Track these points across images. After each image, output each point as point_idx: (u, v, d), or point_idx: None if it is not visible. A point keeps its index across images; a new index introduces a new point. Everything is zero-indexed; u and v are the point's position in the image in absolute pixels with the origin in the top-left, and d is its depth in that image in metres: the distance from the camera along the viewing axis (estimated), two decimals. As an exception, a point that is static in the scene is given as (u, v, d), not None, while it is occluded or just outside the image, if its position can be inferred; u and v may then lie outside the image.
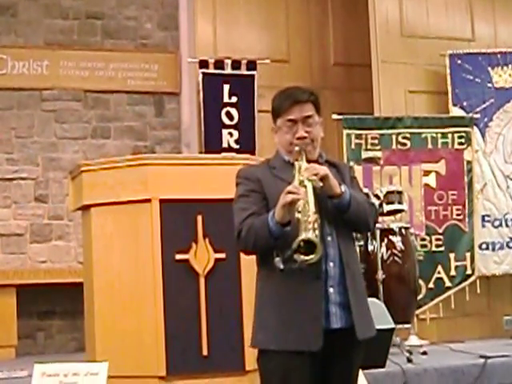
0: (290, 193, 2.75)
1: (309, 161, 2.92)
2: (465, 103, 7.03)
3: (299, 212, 2.74)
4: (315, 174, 2.82)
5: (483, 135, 7.01)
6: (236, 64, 7.31)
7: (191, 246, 4.41)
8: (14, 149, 7.46)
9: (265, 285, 2.94)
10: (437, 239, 6.72)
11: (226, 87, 7.22)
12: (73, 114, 7.62)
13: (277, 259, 2.80)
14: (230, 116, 7.17)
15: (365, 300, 3.01)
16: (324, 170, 2.86)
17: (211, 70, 7.23)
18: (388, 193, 5.89)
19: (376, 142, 6.67)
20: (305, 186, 2.79)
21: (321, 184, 2.82)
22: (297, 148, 2.95)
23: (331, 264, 2.86)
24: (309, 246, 2.69)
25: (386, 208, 5.87)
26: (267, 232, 2.80)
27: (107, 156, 7.07)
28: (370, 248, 5.81)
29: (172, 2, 7.99)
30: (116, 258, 4.49)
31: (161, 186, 4.43)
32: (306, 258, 2.69)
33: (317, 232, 2.70)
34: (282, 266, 2.78)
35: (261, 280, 2.98)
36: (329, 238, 2.89)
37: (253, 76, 7.31)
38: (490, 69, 7.11)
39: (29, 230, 7.40)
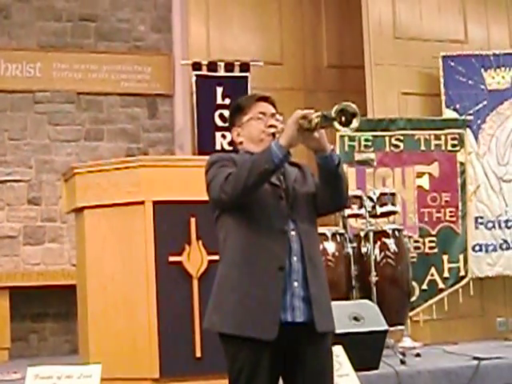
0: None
1: None
2: (458, 105, 7.04)
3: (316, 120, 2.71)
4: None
5: (476, 137, 7.02)
6: (229, 66, 7.32)
7: (184, 248, 4.41)
8: (7, 151, 7.45)
9: (227, 268, 2.91)
10: (430, 241, 6.72)
11: (219, 89, 7.23)
12: (66, 116, 7.61)
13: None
14: (223, 118, 7.16)
15: (326, 293, 2.96)
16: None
17: (204, 72, 7.23)
18: (381, 195, 5.88)
19: (369, 143, 6.66)
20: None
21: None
22: (271, 130, 2.94)
23: (295, 258, 2.86)
24: (347, 117, 2.68)
25: (379, 210, 5.87)
26: (268, 158, 2.72)
27: (100, 158, 7.07)
28: (363, 250, 5.81)
29: (165, 4, 8.00)
30: (109, 260, 4.49)
31: (154, 188, 4.43)
32: (348, 126, 2.68)
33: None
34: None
35: (222, 263, 2.95)
36: (292, 233, 2.87)
37: (246, 78, 7.31)
38: (483, 71, 7.12)
39: (22, 233, 7.39)
